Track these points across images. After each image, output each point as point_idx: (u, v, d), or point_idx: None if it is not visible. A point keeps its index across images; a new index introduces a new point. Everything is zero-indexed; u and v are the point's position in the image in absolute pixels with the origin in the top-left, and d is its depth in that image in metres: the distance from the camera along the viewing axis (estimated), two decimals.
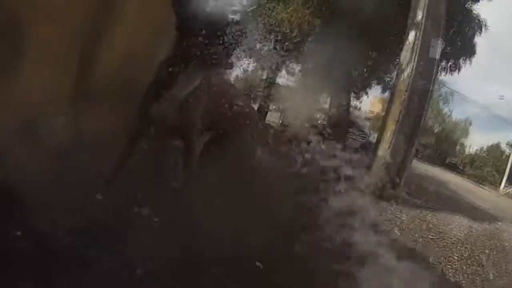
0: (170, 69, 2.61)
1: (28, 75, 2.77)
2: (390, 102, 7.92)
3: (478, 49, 12.18)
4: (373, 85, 14.86)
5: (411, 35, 7.49)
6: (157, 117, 2.80)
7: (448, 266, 4.58)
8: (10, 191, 2.47)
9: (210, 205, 3.12)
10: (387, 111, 7.80)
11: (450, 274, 4.34)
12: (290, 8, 12.01)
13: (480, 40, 12.03)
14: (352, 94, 15.39)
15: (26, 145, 2.96)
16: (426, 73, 7.28)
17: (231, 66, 2.82)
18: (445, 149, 33.22)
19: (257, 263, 2.88)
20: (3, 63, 2.62)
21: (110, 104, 4.42)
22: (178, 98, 2.73)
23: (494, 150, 31.70)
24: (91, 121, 4.11)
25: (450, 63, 12.24)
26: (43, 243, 2.12)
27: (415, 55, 7.28)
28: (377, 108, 29.11)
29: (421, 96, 7.25)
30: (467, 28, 11.40)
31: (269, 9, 13.14)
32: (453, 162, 32.43)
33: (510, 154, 26.96)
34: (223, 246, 2.74)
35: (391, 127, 7.26)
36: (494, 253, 5.81)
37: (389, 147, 7.16)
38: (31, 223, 2.25)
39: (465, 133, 33.51)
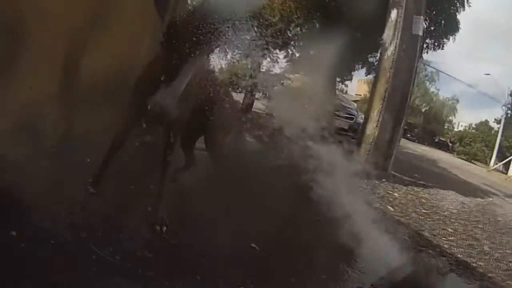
0: (170, 61, 2.55)
1: (22, 75, 2.71)
2: (375, 80, 7.93)
3: (463, 27, 12.18)
4: (358, 67, 14.90)
5: (393, 13, 7.49)
6: (156, 109, 2.73)
7: (444, 239, 4.59)
8: (6, 191, 2.45)
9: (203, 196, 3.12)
10: (373, 90, 7.81)
11: (446, 247, 4.34)
12: None
13: (464, 18, 12.01)
14: (338, 78, 15.41)
15: (21, 145, 2.94)
16: (410, 50, 7.28)
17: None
18: (433, 127, 33.60)
19: (253, 245, 2.84)
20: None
21: (100, 102, 4.40)
22: (179, 90, 2.68)
23: (483, 127, 32.01)
24: (82, 120, 4.09)
25: (434, 41, 12.25)
26: (42, 241, 2.07)
27: (398, 32, 7.28)
28: (364, 90, 29.34)
29: (406, 73, 7.25)
30: (450, 6, 11.39)
31: None
32: (442, 140, 32.80)
33: (498, 130, 27.20)
34: (219, 237, 2.71)
35: (377, 105, 7.27)
36: (488, 227, 5.84)
37: (376, 126, 7.16)
38: (30, 222, 2.20)
39: (453, 111, 33.89)
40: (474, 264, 4.05)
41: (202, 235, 2.66)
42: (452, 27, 11.98)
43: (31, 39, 2.78)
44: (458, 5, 11.61)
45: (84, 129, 4.22)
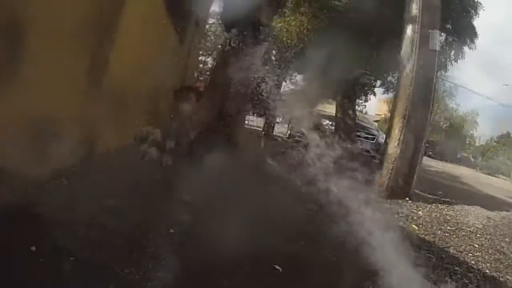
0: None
1: (37, 88, 2.77)
2: (395, 98, 7.88)
3: (479, 40, 12.11)
4: (376, 86, 14.87)
5: (409, 29, 7.46)
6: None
7: (470, 255, 4.50)
8: (27, 208, 2.50)
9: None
10: (393, 108, 7.75)
11: (473, 263, 4.26)
12: (287, 17, 12.05)
13: (480, 29, 11.93)
14: (358, 99, 15.40)
15: (42, 164, 3.01)
16: (428, 66, 7.23)
17: None
18: (455, 143, 33.23)
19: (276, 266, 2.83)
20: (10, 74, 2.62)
21: (119, 117, 4.48)
22: None
23: (505, 139, 31.53)
24: (102, 139, 4.17)
25: (453, 51, 12.17)
26: (62, 258, 2.11)
27: (415, 48, 7.24)
28: (384, 109, 29.25)
29: (426, 90, 7.19)
30: (464, 13, 11.33)
31: None
32: (465, 155, 32.41)
33: None
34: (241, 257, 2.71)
35: (398, 123, 7.20)
36: None
37: (398, 144, 7.09)
38: (50, 238, 2.24)
39: (473, 125, 33.49)
40: (501, 279, 3.96)
41: (225, 254, 2.65)
42: (469, 36, 11.90)
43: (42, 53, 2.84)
44: (472, 12, 11.54)
45: (105, 148, 4.32)
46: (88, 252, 2.24)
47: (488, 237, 5.52)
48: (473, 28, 11.86)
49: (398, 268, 3.32)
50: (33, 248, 2.05)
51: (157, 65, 6.48)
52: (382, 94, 16.01)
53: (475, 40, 12.01)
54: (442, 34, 10.50)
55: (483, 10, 11.62)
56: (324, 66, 13.70)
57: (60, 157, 3.29)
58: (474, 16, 11.61)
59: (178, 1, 6.95)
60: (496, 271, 4.17)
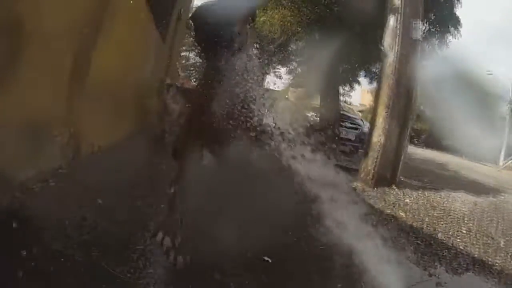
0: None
1: (22, 89, 2.75)
2: (378, 88, 7.91)
3: (462, 26, 12.20)
4: (360, 77, 14.92)
5: (391, 20, 7.49)
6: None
7: (458, 240, 4.56)
8: (16, 211, 2.51)
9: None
10: (377, 97, 7.79)
11: (461, 247, 4.32)
12: (270, 11, 12.03)
13: (462, 18, 12.02)
14: (341, 90, 15.45)
15: (29, 166, 3.00)
16: (411, 56, 7.28)
17: None
18: (440, 131, 33.41)
19: (265, 258, 2.85)
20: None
21: (106, 117, 4.47)
22: None
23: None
24: (88, 137, 4.16)
25: (436, 41, 12.26)
26: (52, 261, 2.10)
27: (398, 38, 7.28)
28: (368, 100, 29.37)
29: (409, 79, 7.24)
30: (446, 3, 11.41)
31: None
32: (450, 142, 32.62)
33: (505, 127, 26.94)
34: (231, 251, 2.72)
35: (382, 113, 7.24)
36: (502, 224, 5.79)
37: (382, 133, 7.13)
38: (40, 241, 2.24)
39: (458, 112, 33.66)
40: (490, 262, 4.02)
41: (214, 248, 2.65)
42: (453, 25, 11.98)
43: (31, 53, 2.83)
44: (455, 1, 11.63)
45: (91, 148, 4.31)
46: (79, 253, 2.23)
47: (475, 222, 5.59)
48: (457, 17, 11.96)
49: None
50: (24, 253, 2.04)
51: (141, 63, 6.46)
52: (368, 84, 16.11)
53: (459, 29, 12.12)
54: (425, 24, 10.56)
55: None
56: (307, 58, 13.76)
57: (46, 159, 3.28)
58: (457, 5, 11.71)
59: None
60: (485, 255, 4.23)
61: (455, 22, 11.98)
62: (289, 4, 11.86)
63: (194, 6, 12.29)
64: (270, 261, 2.82)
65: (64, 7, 3.11)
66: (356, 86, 16.20)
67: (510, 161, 23.62)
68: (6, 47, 2.46)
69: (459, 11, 11.85)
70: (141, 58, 6.38)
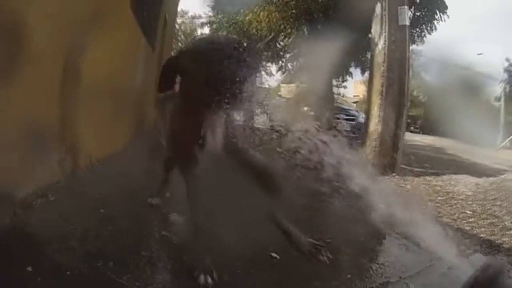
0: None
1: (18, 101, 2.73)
2: (370, 77, 7.94)
3: (451, 10, 12.22)
4: (352, 67, 14.95)
5: (378, 8, 7.51)
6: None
7: (464, 222, 4.56)
8: (18, 228, 2.50)
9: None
10: (370, 86, 7.81)
11: (468, 229, 4.32)
12: (256, 8, 12.04)
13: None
14: (334, 82, 15.46)
15: (27, 182, 2.98)
16: (400, 42, 7.28)
17: None
18: (436, 116, 33.51)
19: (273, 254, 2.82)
20: None
21: (101, 128, 4.45)
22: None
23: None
24: (85, 150, 4.14)
25: (426, 26, 12.29)
26: (59, 274, 2.08)
27: (385, 26, 7.29)
28: (361, 90, 29.43)
29: (400, 65, 7.24)
30: None
31: (234, 13, 13.23)
32: (446, 127, 32.72)
33: (500, 107, 27.00)
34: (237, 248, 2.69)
35: (376, 101, 7.26)
36: (506, 203, 5.79)
37: (378, 121, 7.14)
38: (45, 256, 2.22)
39: (452, 96, 33.72)
40: (498, 241, 4.01)
41: (222, 250, 2.63)
42: (440, 8, 12.01)
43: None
44: None
45: (88, 160, 4.29)
46: (85, 265, 2.21)
47: (479, 202, 5.59)
48: (443, 1, 11.99)
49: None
50: (29, 269, 2.02)
51: (132, 70, 6.44)
52: (360, 75, 16.12)
53: (446, 12, 12.15)
54: (411, 9, 10.58)
55: None
56: (297, 54, 13.76)
57: (44, 174, 3.26)
58: None
59: (144, 5, 6.89)
60: (491, 235, 4.22)
61: (442, 5, 12.01)
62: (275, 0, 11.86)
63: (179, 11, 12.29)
64: (278, 257, 2.79)
65: (53, 16, 3.09)
66: (348, 77, 16.23)
67: (507, 141, 23.68)
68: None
69: None
70: (131, 65, 6.34)
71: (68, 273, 2.08)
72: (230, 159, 2.70)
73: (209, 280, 2.23)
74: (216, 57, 2.15)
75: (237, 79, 2.12)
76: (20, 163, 2.79)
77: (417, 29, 12.03)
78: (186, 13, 25.58)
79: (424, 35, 12.55)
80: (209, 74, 2.15)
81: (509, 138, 23.80)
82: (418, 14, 11.81)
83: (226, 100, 2.13)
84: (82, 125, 4.00)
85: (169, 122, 2.99)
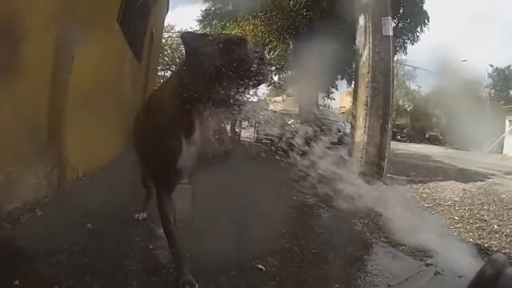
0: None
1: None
2: (355, 88, 7.99)
3: (433, 19, 12.41)
4: (337, 80, 15.03)
5: (361, 19, 7.57)
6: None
7: (451, 228, 4.58)
8: (6, 242, 2.51)
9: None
10: (355, 97, 7.85)
11: (455, 234, 4.34)
12: (241, 22, 12.11)
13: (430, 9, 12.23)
14: (320, 94, 15.53)
15: (14, 197, 2.98)
16: (384, 52, 7.33)
17: None
18: (422, 124, 33.85)
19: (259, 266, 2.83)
20: None
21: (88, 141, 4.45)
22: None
23: None
24: (72, 164, 4.13)
25: (409, 36, 12.43)
26: None
27: (369, 36, 7.34)
28: (347, 101, 29.59)
29: (384, 75, 7.29)
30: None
31: (221, 27, 13.30)
32: (433, 134, 33.05)
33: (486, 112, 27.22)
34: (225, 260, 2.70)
35: (361, 112, 7.30)
36: (493, 207, 5.85)
37: (364, 132, 7.18)
38: (32, 270, 2.22)
39: (437, 104, 34.09)
40: (486, 245, 4.04)
41: (209, 261, 2.63)
42: (422, 19, 12.18)
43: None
44: None
45: (75, 174, 4.28)
46: (72, 279, 2.20)
47: (466, 208, 5.63)
48: (425, 12, 12.16)
49: None
50: (17, 282, 2.01)
51: (119, 84, 6.44)
52: (346, 87, 16.22)
53: (427, 23, 12.33)
54: (395, 19, 10.70)
55: None
56: (282, 66, 13.83)
57: (31, 189, 3.26)
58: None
59: (131, 19, 6.91)
60: (480, 239, 4.25)
61: (424, 16, 12.18)
62: (260, 13, 11.94)
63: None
64: (264, 269, 2.79)
65: (41, 29, 3.11)
66: (333, 90, 16.30)
67: (494, 145, 23.92)
68: None
69: (429, 4, 12.07)
70: (117, 78, 6.36)
71: (55, 287, 2.08)
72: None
73: None
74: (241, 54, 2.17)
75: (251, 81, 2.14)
76: (6, 177, 2.78)
77: (399, 40, 12.17)
78: (173, 27, 25.64)
79: (406, 45, 12.71)
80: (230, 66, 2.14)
81: (496, 142, 24.04)
82: (401, 25, 11.96)
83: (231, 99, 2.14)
84: (69, 139, 4.01)
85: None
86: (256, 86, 2.22)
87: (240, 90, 2.16)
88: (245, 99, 2.20)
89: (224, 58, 2.16)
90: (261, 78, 2.18)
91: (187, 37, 2.40)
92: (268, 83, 17.45)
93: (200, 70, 2.21)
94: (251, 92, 2.23)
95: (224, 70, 2.14)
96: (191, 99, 2.23)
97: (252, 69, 2.15)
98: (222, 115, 2.49)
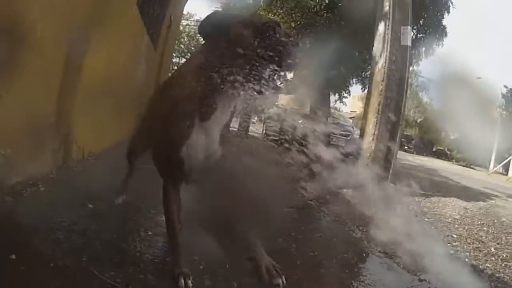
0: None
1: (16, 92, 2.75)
2: (368, 94, 7.96)
3: (450, 33, 12.35)
4: (352, 84, 14.99)
5: (381, 26, 7.54)
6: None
7: (449, 245, 4.58)
8: (5, 215, 2.51)
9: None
10: (367, 104, 7.82)
11: (452, 252, 4.34)
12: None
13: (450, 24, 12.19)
14: (333, 96, 15.50)
15: (19, 171, 3.00)
16: (400, 62, 7.30)
17: None
18: (430, 137, 33.73)
19: None
20: None
21: (96, 122, 4.46)
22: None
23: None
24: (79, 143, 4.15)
25: (424, 48, 12.38)
26: (42, 265, 2.09)
27: (387, 45, 7.31)
28: (358, 106, 29.52)
29: (398, 84, 7.26)
30: (436, 11, 11.55)
31: None
32: (440, 148, 32.95)
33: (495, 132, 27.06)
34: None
35: (372, 119, 7.27)
36: (493, 229, 5.85)
37: (372, 139, 7.16)
38: (29, 245, 2.24)
39: (448, 118, 33.93)
40: (481, 267, 4.03)
41: (206, 254, 2.64)
42: (440, 33, 12.13)
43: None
44: (443, 10, 11.77)
45: (82, 154, 4.30)
46: (69, 258, 2.22)
47: (466, 227, 5.63)
48: (444, 26, 12.11)
49: None
50: (13, 256, 2.03)
51: (132, 68, 6.45)
52: (361, 91, 16.13)
53: (445, 36, 12.29)
54: (414, 30, 10.65)
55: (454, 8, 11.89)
56: (298, 65, 13.82)
57: (36, 164, 3.28)
58: (446, 14, 11.86)
59: (151, 3, 6.92)
60: (475, 259, 4.25)
61: (442, 29, 12.13)
62: (279, 10, 11.91)
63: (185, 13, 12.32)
64: None
65: (57, 10, 3.11)
66: (346, 94, 16.25)
67: (500, 166, 23.85)
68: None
69: (447, 18, 12.01)
70: (132, 63, 6.36)
71: (51, 265, 2.09)
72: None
73: (190, 283, 2.23)
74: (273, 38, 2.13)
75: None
76: (13, 151, 2.80)
77: (416, 51, 12.12)
78: (192, 16, 25.53)
79: (421, 57, 12.66)
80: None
81: (502, 164, 23.95)
82: (421, 35, 11.91)
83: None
84: (79, 119, 4.03)
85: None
86: (289, 70, 2.18)
87: (272, 74, 2.11)
88: (278, 83, 2.15)
89: (259, 41, 2.12)
90: (294, 62, 2.15)
91: (216, 16, 2.35)
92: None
93: (231, 52, 2.12)
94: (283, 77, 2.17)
95: (258, 53, 2.09)
96: (215, 80, 2.12)
97: (286, 53, 2.12)
98: (239, 105, 2.40)
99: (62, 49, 3.44)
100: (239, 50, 2.09)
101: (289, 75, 2.22)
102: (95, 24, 3.92)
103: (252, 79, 2.07)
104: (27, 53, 2.78)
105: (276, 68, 2.10)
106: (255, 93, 2.07)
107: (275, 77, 2.12)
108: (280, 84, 2.15)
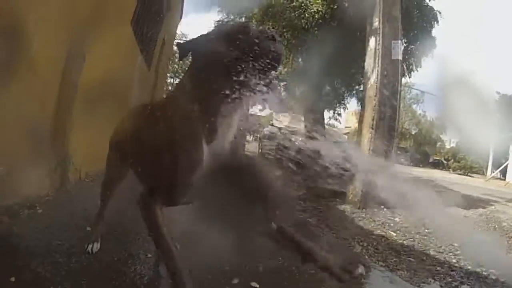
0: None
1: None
2: (362, 110, 7.99)
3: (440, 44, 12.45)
4: (345, 100, 15.02)
5: (372, 41, 7.59)
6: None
7: (450, 254, 4.55)
8: (5, 238, 2.53)
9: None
10: (361, 119, 7.85)
11: (454, 261, 4.31)
12: None
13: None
14: (327, 112, 15.54)
15: (16, 193, 2.99)
16: (392, 76, 7.34)
17: None
18: (426, 148, 33.84)
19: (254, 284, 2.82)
20: None
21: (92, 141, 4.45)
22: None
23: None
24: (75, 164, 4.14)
25: (413, 60, 12.45)
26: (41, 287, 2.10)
27: (378, 59, 7.35)
28: (353, 121, 29.55)
29: (391, 98, 7.29)
30: (425, 23, 11.64)
31: None
32: (437, 159, 33.05)
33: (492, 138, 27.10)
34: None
35: (367, 134, 7.28)
36: (494, 234, 5.84)
37: (368, 154, 7.16)
38: (29, 268, 2.23)
39: (443, 129, 34.05)
40: (485, 273, 4.00)
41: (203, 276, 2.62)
42: (429, 44, 12.22)
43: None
44: (432, 20, 11.88)
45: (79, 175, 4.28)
46: (68, 281, 2.20)
47: (467, 235, 5.60)
48: (433, 37, 12.21)
49: None
50: (12, 279, 2.01)
51: (126, 89, 6.46)
52: (353, 107, 16.18)
53: (435, 48, 12.39)
54: (404, 43, 10.72)
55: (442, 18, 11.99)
56: (291, 82, 13.86)
57: (33, 186, 3.27)
58: (434, 25, 11.96)
59: (144, 23, 6.95)
60: (478, 266, 4.21)
61: (432, 40, 12.24)
62: (272, 29, 11.97)
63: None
64: (258, 286, 2.78)
65: (53, 26, 3.13)
66: (342, 109, 16.29)
67: (497, 172, 23.91)
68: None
69: (439, 26, 12.11)
70: (126, 83, 6.37)
71: (51, 287, 2.08)
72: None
73: None
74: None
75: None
76: (9, 171, 2.80)
77: (407, 63, 12.19)
78: (186, 36, 25.62)
79: (413, 69, 12.72)
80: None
81: (499, 169, 24.01)
82: (411, 48, 11.98)
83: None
84: (74, 139, 4.02)
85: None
86: (273, 66, 2.14)
87: (259, 74, 2.06)
88: (266, 82, 2.09)
89: (233, 45, 2.07)
90: (276, 56, 2.11)
91: (185, 44, 2.31)
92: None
93: (211, 64, 2.09)
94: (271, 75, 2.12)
95: (236, 57, 2.03)
96: (208, 93, 2.08)
97: (264, 50, 2.06)
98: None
99: (58, 69, 3.45)
100: (217, 58, 2.06)
101: (276, 69, 2.16)
102: (89, 41, 3.94)
103: (242, 83, 2.02)
104: (23, 71, 2.79)
105: (259, 66, 2.06)
106: (252, 93, 2.05)
107: (264, 75, 2.08)
108: (271, 80, 2.11)
